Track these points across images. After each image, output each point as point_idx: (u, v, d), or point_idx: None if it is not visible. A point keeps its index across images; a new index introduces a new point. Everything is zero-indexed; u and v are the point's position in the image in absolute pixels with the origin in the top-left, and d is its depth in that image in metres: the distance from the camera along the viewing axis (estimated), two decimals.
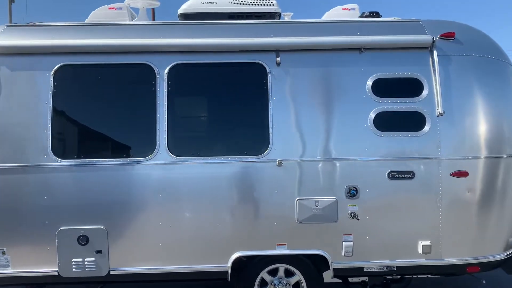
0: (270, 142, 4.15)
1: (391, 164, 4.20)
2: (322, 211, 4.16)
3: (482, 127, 4.26)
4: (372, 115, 4.21)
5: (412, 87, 4.30)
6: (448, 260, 4.26)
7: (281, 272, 4.33)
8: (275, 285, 4.31)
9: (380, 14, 4.82)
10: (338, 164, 4.19)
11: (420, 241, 4.22)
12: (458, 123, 4.25)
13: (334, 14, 4.95)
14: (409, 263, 4.25)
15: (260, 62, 4.25)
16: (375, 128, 4.20)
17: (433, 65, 4.26)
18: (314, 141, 4.20)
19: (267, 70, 4.23)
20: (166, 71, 4.21)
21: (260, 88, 4.22)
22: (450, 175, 4.20)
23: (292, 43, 4.27)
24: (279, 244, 4.20)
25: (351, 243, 4.19)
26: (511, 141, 4.37)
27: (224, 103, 4.32)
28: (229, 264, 4.16)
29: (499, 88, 4.42)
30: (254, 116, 4.28)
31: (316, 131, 4.21)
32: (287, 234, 4.19)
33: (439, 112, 4.19)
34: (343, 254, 4.19)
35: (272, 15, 4.83)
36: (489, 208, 4.28)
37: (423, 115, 4.23)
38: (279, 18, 4.97)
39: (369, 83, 4.25)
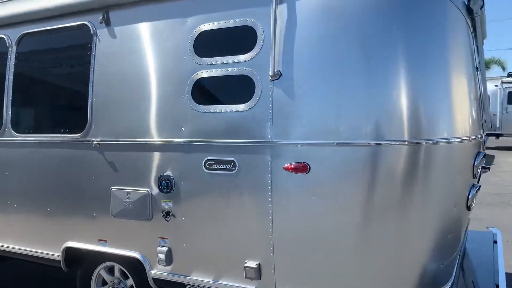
0: (89, 120, 3.49)
1: (209, 150, 3.04)
2: (133, 205, 3.32)
3: (350, 98, 2.72)
4: (190, 83, 3.11)
5: (243, 40, 2.99)
6: None
7: (117, 272, 3.67)
8: (113, 284, 3.70)
9: None
10: (152, 148, 3.25)
11: (246, 261, 2.98)
12: (305, 92, 2.78)
13: None
14: None
15: (86, 23, 3.57)
16: (193, 101, 3.09)
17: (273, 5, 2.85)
18: (131, 119, 3.34)
19: (92, 32, 3.53)
20: (15, 42, 3.95)
21: (85, 54, 3.56)
22: (283, 168, 2.80)
23: None
24: (100, 240, 3.55)
25: (165, 249, 3.25)
26: (425, 124, 2.69)
27: (54, 74, 3.83)
28: (60, 253, 3.74)
29: (397, 38, 2.72)
30: (78, 88, 3.66)
31: (136, 106, 3.33)
32: (106, 229, 3.51)
33: (270, 75, 2.81)
34: (157, 262, 3.29)
35: None
36: (361, 222, 2.73)
37: (253, 81, 2.90)
38: None
39: (192, 38, 3.12)
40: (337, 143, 2.67)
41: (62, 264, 3.76)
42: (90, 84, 3.49)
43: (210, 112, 3.03)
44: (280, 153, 2.80)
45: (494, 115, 17.40)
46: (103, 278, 3.74)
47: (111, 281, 3.70)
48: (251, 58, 2.91)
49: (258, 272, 2.93)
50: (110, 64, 3.45)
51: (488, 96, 17.38)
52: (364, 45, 2.72)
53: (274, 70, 2.79)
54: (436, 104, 2.71)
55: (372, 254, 2.73)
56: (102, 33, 3.50)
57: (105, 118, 3.44)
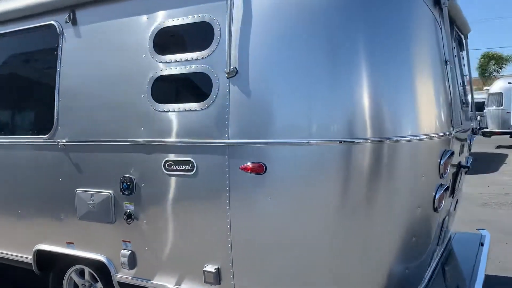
0: (55, 120, 3.43)
1: (168, 150, 2.95)
2: (97, 207, 3.25)
3: (309, 96, 2.60)
4: (150, 82, 3.02)
5: (201, 37, 2.90)
6: None
7: (87, 276, 3.61)
8: None
9: None
10: (113, 148, 3.17)
11: (205, 265, 2.88)
12: (262, 90, 2.67)
13: None
14: None
15: (53, 22, 3.52)
16: (153, 100, 3.00)
17: None
18: (95, 119, 3.27)
19: (58, 32, 3.47)
20: None
21: (51, 55, 3.50)
22: (240, 168, 2.69)
23: None
24: (68, 242, 3.50)
25: (128, 252, 3.17)
26: (384, 122, 2.55)
27: (25, 75, 3.78)
28: (31, 255, 3.69)
29: (361, 33, 2.59)
30: (45, 89, 3.60)
31: (99, 106, 3.26)
32: (74, 232, 3.44)
33: (226, 73, 2.71)
34: (121, 265, 3.22)
35: None
36: (323, 223, 2.61)
37: (210, 79, 2.80)
38: None
39: (151, 36, 3.04)
40: (308, 142, 2.54)
41: (34, 267, 3.71)
42: (57, 84, 3.43)
43: (169, 111, 2.94)
44: (237, 153, 2.70)
45: (507, 113, 16.94)
46: (75, 282, 3.69)
47: (82, 284, 3.65)
48: (208, 55, 2.81)
49: (217, 277, 2.83)
50: (76, 64, 3.39)
51: (502, 93, 16.95)
52: (324, 41, 2.60)
53: (230, 67, 2.69)
54: (399, 101, 2.58)
55: (335, 257, 2.61)
56: (68, 32, 3.44)
57: (70, 119, 3.38)
